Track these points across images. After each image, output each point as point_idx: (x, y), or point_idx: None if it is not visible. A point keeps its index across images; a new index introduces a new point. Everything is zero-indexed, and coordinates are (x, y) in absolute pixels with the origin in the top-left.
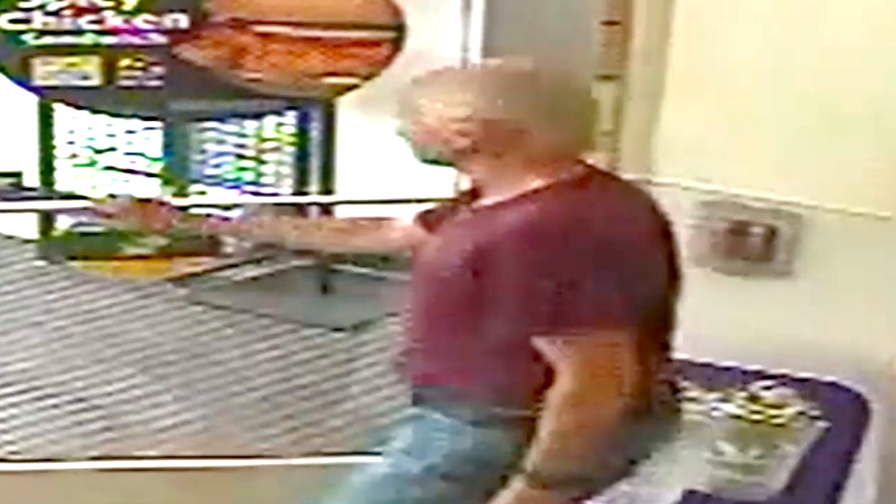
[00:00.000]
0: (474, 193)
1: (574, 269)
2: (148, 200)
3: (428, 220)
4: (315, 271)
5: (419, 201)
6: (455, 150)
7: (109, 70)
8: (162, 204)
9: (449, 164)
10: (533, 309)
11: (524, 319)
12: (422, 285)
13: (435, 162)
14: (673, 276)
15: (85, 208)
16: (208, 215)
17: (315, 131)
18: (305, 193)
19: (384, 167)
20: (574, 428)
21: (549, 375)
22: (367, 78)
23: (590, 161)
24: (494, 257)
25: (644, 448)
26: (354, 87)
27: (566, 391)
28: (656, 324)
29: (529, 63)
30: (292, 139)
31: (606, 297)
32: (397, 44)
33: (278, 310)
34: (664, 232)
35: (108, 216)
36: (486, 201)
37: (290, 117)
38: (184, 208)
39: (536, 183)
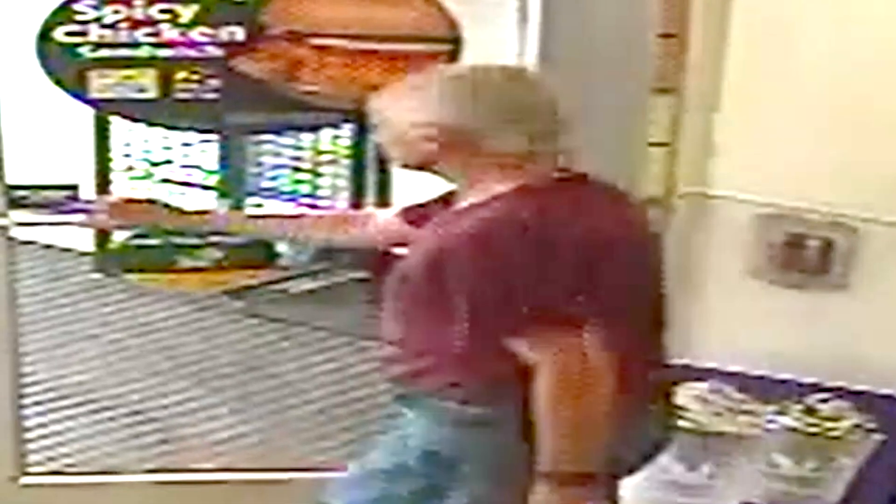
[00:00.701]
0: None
1: (519, 273)
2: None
3: (411, 216)
4: (371, 284)
5: None
6: (421, 155)
7: (166, 83)
8: (151, 202)
9: (422, 169)
10: (482, 312)
11: (477, 322)
12: (394, 284)
13: (418, 168)
14: (654, 281)
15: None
16: (201, 212)
17: (371, 144)
18: (362, 206)
19: (440, 179)
20: (563, 425)
21: (519, 375)
22: None
23: (577, 167)
24: (449, 261)
25: (649, 442)
26: None
27: (545, 393)
28: (642, 324)
29: (489, 68)
30: (349, 152)
31: (553, 299)
32: (454, 57)
33: (334, 322)
34: (641, 239)
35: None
36: (463, 204)
37: (347, 130)
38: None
39: (500, 187)
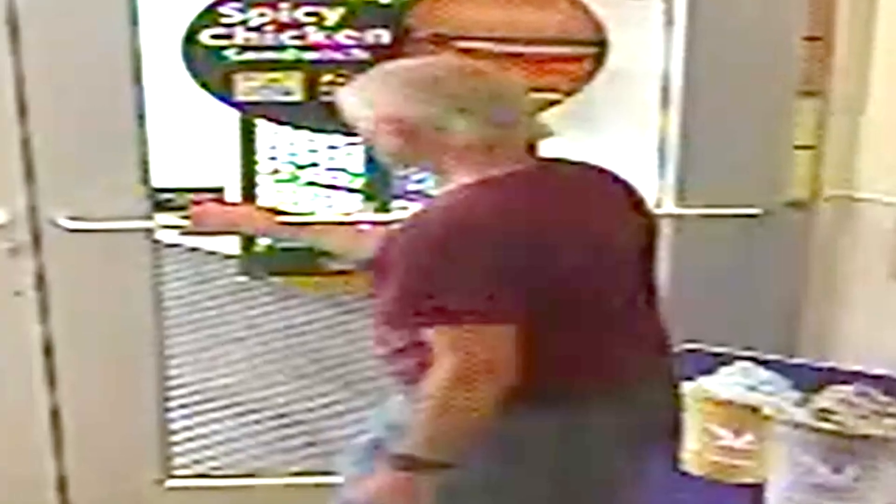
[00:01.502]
0: None
1: (438, 266)
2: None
3: None
4: None
5: None
6: (389, 152)
7: (311, 86)
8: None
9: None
10: (408, 302)
11: (405, 312)
12: None
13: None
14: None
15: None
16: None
17: None
18: None
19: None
20: (438, 414)
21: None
22: (569, 94)
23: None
24: (393, 254)
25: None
26: (556, 102)
27: (434, 380)
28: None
29: (445, 61)
30: None
31: (469, 291)
32: (599, 59)
33: None
34: (620, 224)
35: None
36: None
37: None
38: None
39: (464, 180)
